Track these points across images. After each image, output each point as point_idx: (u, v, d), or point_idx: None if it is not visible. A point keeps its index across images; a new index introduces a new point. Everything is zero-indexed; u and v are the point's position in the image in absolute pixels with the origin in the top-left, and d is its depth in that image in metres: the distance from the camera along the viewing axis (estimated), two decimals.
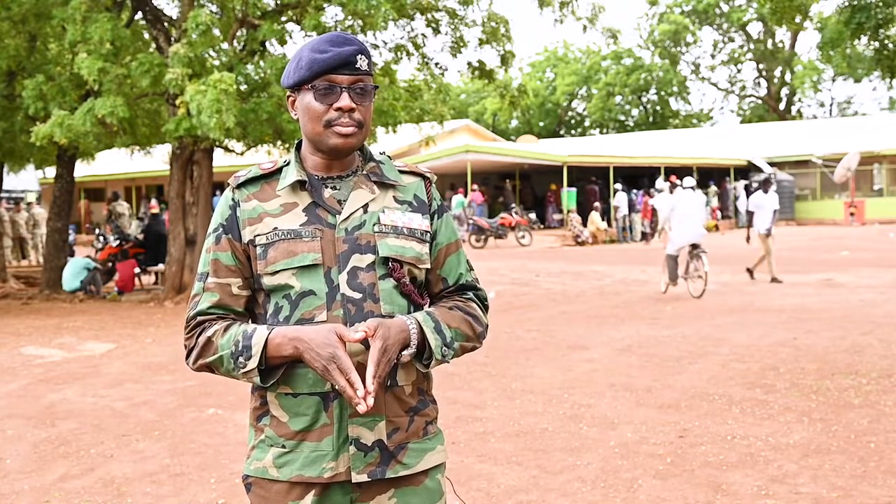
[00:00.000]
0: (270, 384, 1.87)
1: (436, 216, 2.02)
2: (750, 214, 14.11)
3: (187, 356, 1.93)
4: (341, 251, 1.87)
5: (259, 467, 1.90)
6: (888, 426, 5.53)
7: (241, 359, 1.83)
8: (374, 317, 1.85)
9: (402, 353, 1.84)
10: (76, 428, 6.08)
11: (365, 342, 1.82)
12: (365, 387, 1.75)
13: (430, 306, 2.00)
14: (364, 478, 1.85)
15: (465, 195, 27.78)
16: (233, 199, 1.94)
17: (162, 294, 14.01)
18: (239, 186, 1.95)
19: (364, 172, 1.97)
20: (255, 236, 1.90)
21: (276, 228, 1.88)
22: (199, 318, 1.92)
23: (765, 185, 14.29)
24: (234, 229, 1.92)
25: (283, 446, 1.87)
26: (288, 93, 1.97)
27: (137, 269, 15.90)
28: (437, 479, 1.96)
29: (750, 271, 14.46)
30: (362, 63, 1.89)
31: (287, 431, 1.87)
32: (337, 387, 1.76)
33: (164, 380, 7.64)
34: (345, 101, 1.87)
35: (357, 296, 1.86)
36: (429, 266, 1.98)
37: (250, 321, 1.95)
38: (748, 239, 14.10)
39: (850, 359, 7.61)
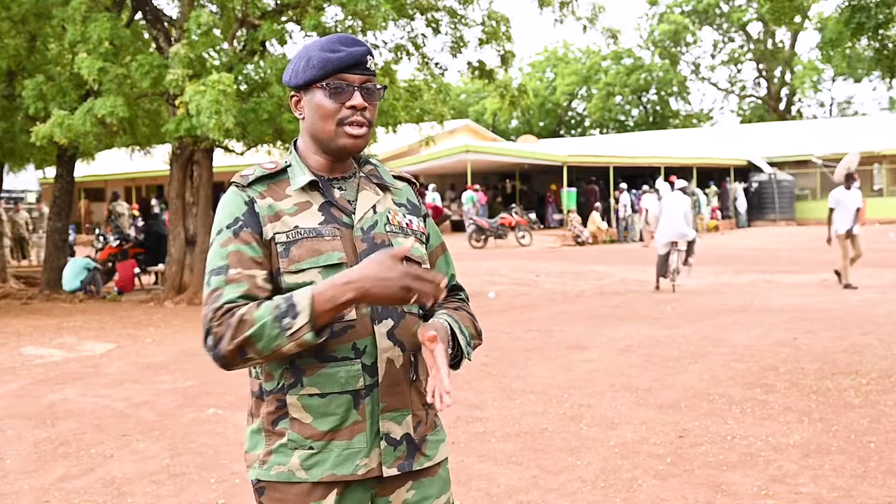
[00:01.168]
0: (291, 388, 1.86)
1: (425, 219, 2.08)
2: (830, 212, 12.83)
3: (217, 343, 1.77)
4: (362, 250, 1.89)
5: (282, 471, 1.87)
6: (888, 426, 5.53)
7: (286, 320, 1.72)
8: (398, 314, 1.89)
9: None
10: (76, 428, 6.08)
11: (411, 344, 1.89)
12: (446, 388, 1.76)
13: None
14: (394, 471, 1.88)
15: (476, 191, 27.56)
16: (248, 196, 1.90)
17: (162, 294, 14.01)
18: (250, 185, 1.92)
19: (363, 175, 2.01)
20: (274, 234, 1.87)
21: (297, 227, 1.87)
22: (228, 307, 1.79)
23: (848, 180, 12.90)
24: (255, 224, 1.87)
25: (311, 447, 1.86)
26: (291, 92, 1.97)
27: (137, 269, 15.91)
28: (447, 468, 2.03)
29: (847, 284, 12.80)
30: (371, 64, 1.92)
31: (314, 432, 1.86)
32: (424, 295, 1.71)
33: (164, 380, 7.64)
34: (357, 99, 1.89)
35: None
36: (427, 267, 2.02)
37: None
38: (829, 240, 13.01)
39: (850, 359, 7.61)
